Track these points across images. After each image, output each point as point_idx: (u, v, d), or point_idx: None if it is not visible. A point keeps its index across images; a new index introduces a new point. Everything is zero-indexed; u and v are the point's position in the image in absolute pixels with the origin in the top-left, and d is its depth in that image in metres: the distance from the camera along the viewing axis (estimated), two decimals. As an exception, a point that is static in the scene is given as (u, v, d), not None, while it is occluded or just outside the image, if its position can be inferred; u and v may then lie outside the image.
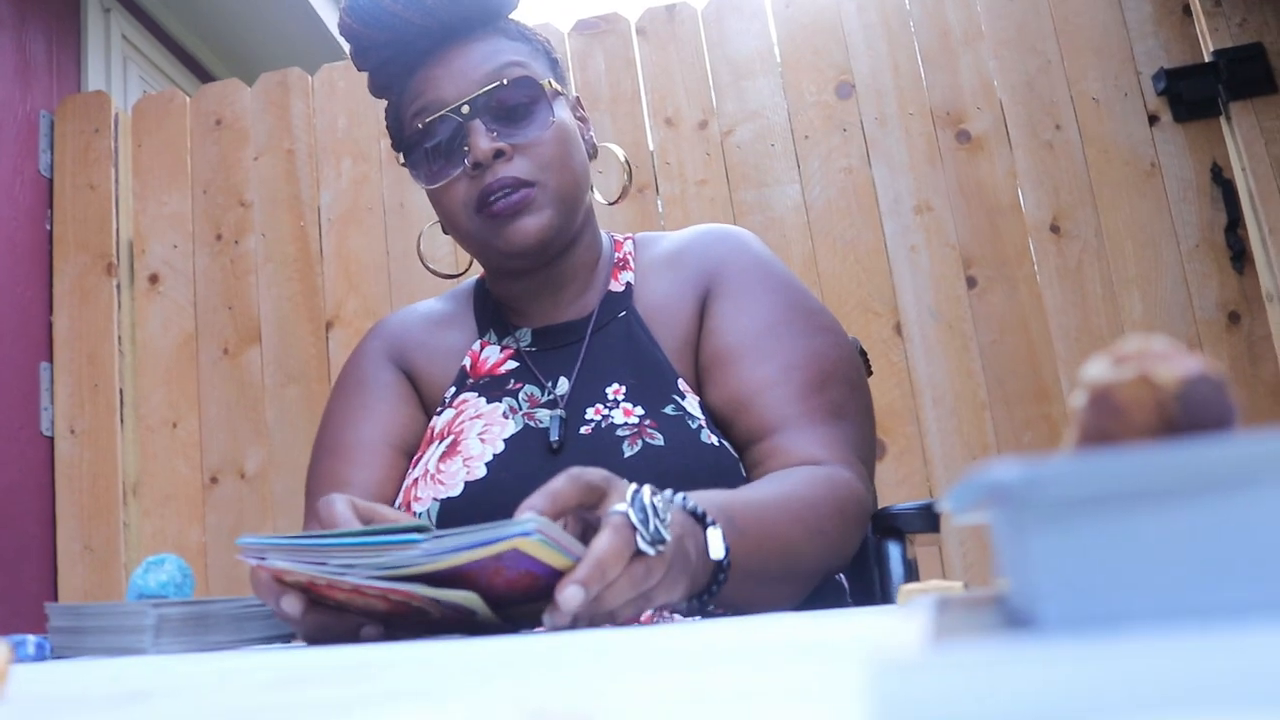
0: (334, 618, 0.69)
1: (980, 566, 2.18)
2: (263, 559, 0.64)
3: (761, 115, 2.45)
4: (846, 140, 2.41)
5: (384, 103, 1.21)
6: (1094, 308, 2.26)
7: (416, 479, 1.08)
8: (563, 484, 0.68)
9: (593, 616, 0.64)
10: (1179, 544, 0.21)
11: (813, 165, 2.41)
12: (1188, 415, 0.29)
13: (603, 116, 2.47)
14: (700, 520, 0.74)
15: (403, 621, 0.70)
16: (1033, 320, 2.28)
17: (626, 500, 0.67)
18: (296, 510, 2.34)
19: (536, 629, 0.67)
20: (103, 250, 2.52)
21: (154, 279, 2.52)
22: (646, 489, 0.69)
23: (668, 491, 0.73)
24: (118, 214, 2.56)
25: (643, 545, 0.66)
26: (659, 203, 2.43)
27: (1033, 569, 0.22)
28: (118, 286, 2.51)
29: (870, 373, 1.46)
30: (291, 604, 0.67)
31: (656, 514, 0.67)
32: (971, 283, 2.31)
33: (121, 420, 2.43)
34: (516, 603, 0.65)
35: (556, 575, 0.62)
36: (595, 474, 0.70)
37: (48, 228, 2.55)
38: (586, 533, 0.69)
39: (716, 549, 0.73)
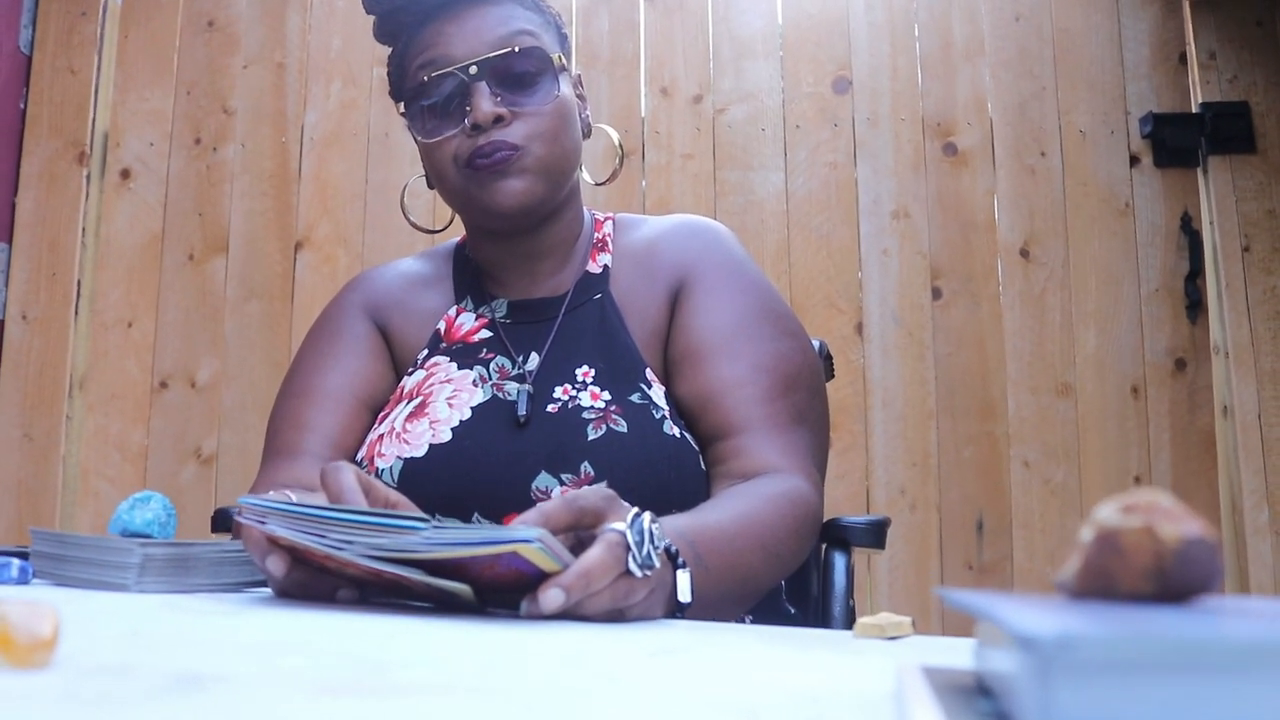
0: (312, 577, 0.72)
1: (904, 570, 2.25)
2: (263, 522, 0.66)
3: (756, 98, 2.46)
4: (836, 135, 2.44)
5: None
6: (1050, 336, 2.32)
7: (382, 435, 1.09)
8: (556, 507, 0.71)
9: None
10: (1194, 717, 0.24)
11: (799, 155, 2.43)
12: (1181, 570, 0.32)
13: (599, 77, 2.46)
14: (672, 559, 0.76)
15: (378, 588, 0.72)
16: (990, 339, 2.33)
17: (626, 521, 0.70)
18: (244, 425, 2.34)
19: (510, 613, 0.70)
20: (76, 138, 2.48)
21: (126, 174, 2.48)
22: (647, 515, 0.72)
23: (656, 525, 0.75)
24: (96, 103, 2.51)
25: (632, 566, 0.69)
26: (643, 170, 2.44)
27: (1052, 718, 0.25)
28: (88, 177, 2.47)
29: (832, 376, 1.50)
30: (276, 564, 0.69)
31: (652, 540, 0.70)
32: (937, 293, 2.36)
33: (76, 312, 2.40)
34: (499, 591, 0.68)
35: (543, 575, 0.65)
36: (592, 498, 0.72)
37: (21, 106, 2.50)
38: (577, 547, 0.72)
39: (684, 593, 0.76)
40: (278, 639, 0.49)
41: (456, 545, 0.62)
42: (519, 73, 1.10)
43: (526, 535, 0.61)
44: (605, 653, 0.52)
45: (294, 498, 0.75)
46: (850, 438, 2.30)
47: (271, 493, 0.76)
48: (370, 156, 2.46)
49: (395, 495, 0.80)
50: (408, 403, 1.12)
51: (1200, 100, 2.36)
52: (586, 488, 0.75)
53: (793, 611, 1.22)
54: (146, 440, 2.36)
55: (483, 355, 1.14)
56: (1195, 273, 2.32)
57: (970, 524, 2.27)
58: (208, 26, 2.56)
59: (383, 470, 1.05)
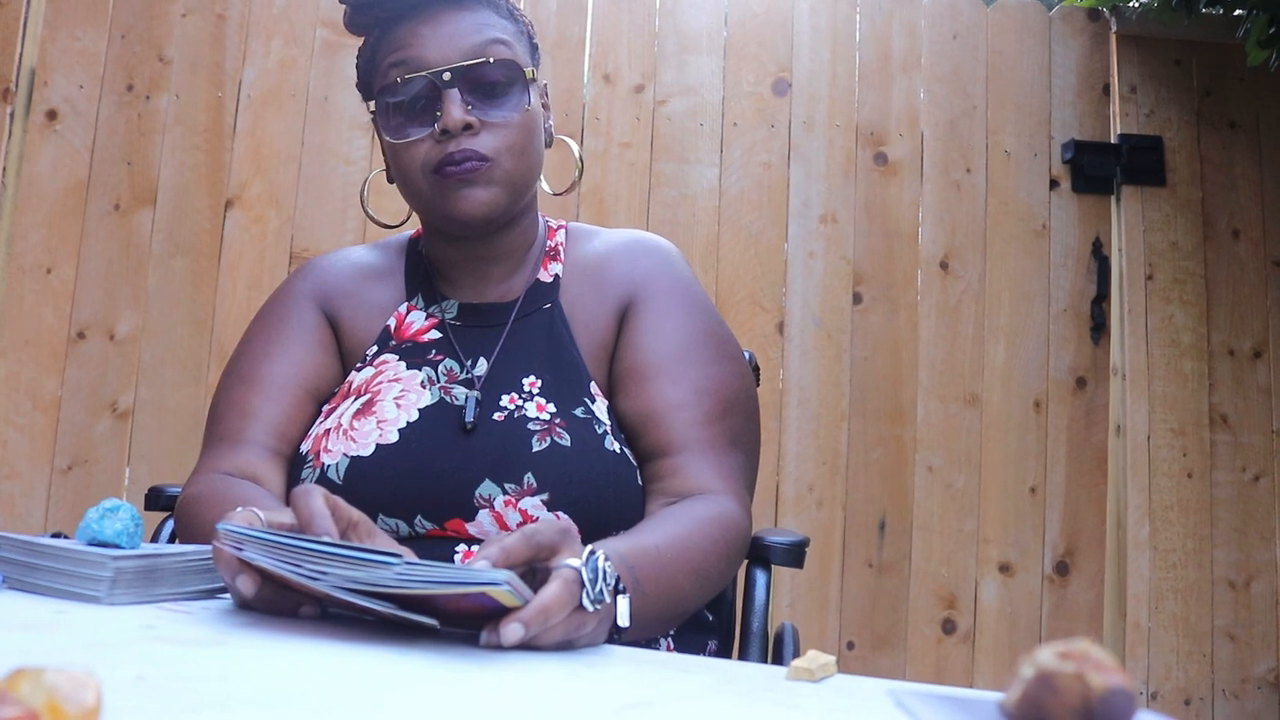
0: (277, 593, 0.75)
1: (807, 564, 2.33)
2: (240, 549, 0.69)
3: (697, 92, 2.50)
4: (771, 136, 2.49)
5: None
6: (962, 347, 2.42)
7: (329, 430, 1.11)
8: (516, 543, 0.75)
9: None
10: None
11: (735, 153, 2.48)
12: (1104, 713, 0.38)
13: (543, 58, 2.47)
14: (614, 586, 0.81)
15: (337, 604, 0.75)
16: (905, 346, 2.42)
17: (581, 559, 0.75)
18: (162, 381, 2.32)
19: (469, 644, 0.74)
20: (1, 73, 2.40)
21: (52, 115, 2.42)
22: (601, 553, 0.76)
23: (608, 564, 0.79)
24: (24, 38, 2.43)
25: (585, 602, 0.73)
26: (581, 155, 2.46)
27: None
28: (11, 115, 2.40)
29: (758, 383, 1.56)
30: (247, 584, 0.72)
31: (604, 578, 0.75)
32: (857, 298, 2.44)
33: (-7, 255, 2.35)
34: (459, 618, 0.72)
35: (505, 609, 0.69)
36: (549, 533, 0.76)
37: (-56, 36, 2.41)
38: (529, 575, 0.76)
39: (623, 618, 0.80)
40: (282, 690, 0.53)
41: (429, 584, 0.65)
42: (491, 83, 1.12)
43: (496, 578, 0.65)
44: (575, 707, 0.56)
45: (263, 516, 0.77)
46: (764, 434, 2.36)
47: (240, 510, 0.78)
48: (308, 118, 2.43)
49: (358, 514, 0.83)
50: (355, 399, 1.13)
51: (1119, 131, 2.47)
52: (543, 522, 0.79)
53: (710, 618, 1.27)
54: (60, 391, 2.32)
55: (432, 356, 1.16)
56: (1101, 296, 2.44)
57: (873, 523, 2.36)
58: (146, -30, 2.49)
59: (329, 466, 1.07)
